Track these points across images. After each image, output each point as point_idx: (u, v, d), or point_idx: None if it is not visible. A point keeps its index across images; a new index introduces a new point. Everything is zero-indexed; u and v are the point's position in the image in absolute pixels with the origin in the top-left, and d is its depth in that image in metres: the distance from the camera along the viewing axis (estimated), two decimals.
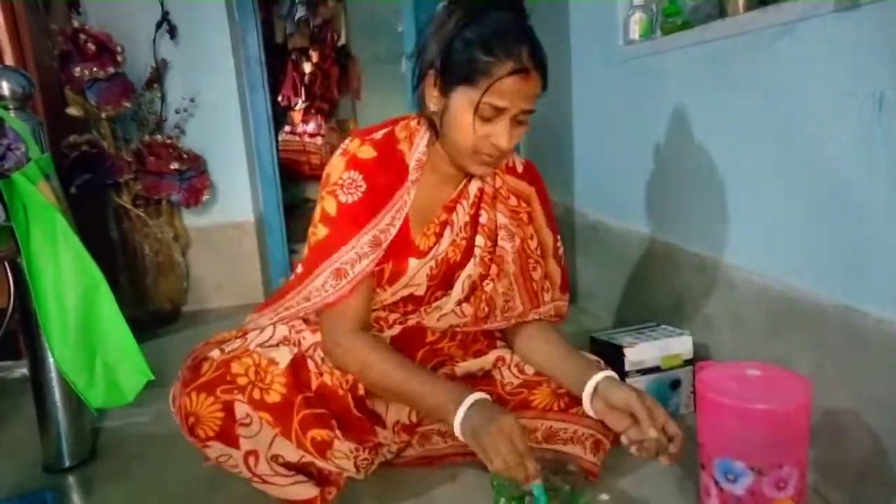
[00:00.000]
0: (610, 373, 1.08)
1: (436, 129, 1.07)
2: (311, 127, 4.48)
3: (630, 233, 1.77)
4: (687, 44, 1.41)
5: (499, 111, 0.98)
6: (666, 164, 1.55)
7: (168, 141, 2.21)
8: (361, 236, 1.05)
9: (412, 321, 1.17)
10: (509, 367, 1.21)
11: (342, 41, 4.52)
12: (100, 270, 1.18)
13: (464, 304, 1.18)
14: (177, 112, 2.32)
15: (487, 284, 1.16)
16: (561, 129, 2.21)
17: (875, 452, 0.94)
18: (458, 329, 1.22)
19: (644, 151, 1.65)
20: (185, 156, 2.24)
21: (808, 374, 1.03)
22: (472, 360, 1.23)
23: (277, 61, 4.24)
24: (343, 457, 1.02)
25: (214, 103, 2.39)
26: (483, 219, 1.15)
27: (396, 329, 1.17)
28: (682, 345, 1.35)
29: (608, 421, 1.04)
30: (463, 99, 0.99)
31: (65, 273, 1.15)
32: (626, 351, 1.31)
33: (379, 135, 1.11)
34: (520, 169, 1.21)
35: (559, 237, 1.26)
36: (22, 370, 1.31)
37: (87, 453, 1.35)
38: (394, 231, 1.07)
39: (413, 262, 1.12)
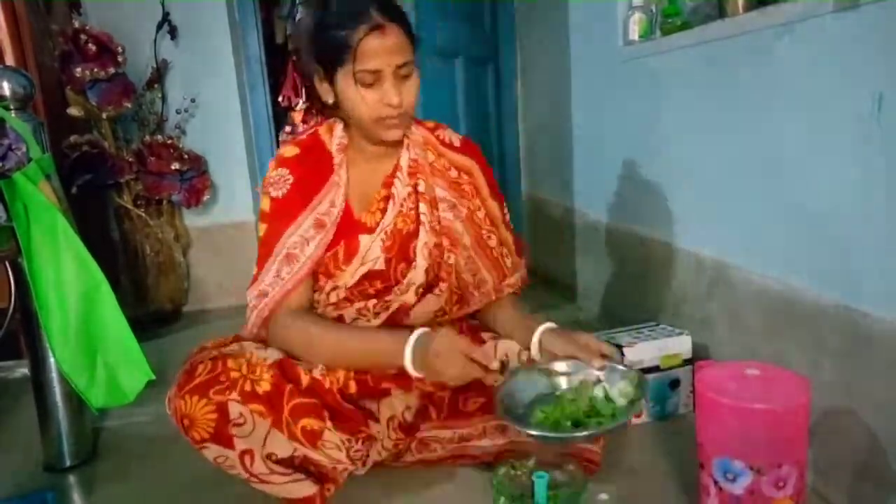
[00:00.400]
0: (550, 325, 1.14)
1: (343, 118, 1.16)
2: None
3: (630, 233, 1.77)
4: (686, 44, 1.41)
5: (375, 73, 1.04)
6: (666, 164, 1.56)
7: (169, 141, 2.22)
8: (302, 221, 1.12)
9: (394, 305, 1.18)
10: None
11: None
12: (100, 270, 1.18)
13: (440, 284, 1.21)
14: (177, 112, 2.33)
15: (449, 256, 1.20)
16: (561, 129, 2.21)
17: (874, 452, 0.94)
18: (442, 320, 1.23)
19: (644, 152, 1.66)
20: (185, 156, 2.24)
21: (807, 374, 1.03)
22: None
23: (278, 62, 4.23)
24: (334, 447, 1.03)
25: (215, 103, 2.39)
26: (421, 187, 1.19)
27: (383, 317, 1.18)
28: (681, 344, 1.35)
29: None
30: (344, 78, 1.06)
31: (66, 273, 1.16)
32: (626, 350, 1.31)
33: (303, 135, 1.21)
34: (457, 144, 1.26)
35: (505, 205, 1.30)
36: (23, 370, 1.32)
37: (88, 453, 1.36)
38: (335, 212, 1.14)
39: (364, 238, 1.16)
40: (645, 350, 1.32)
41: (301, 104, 4.74)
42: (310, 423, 1.01)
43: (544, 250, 2.42)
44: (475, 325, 1.30)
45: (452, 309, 1.24)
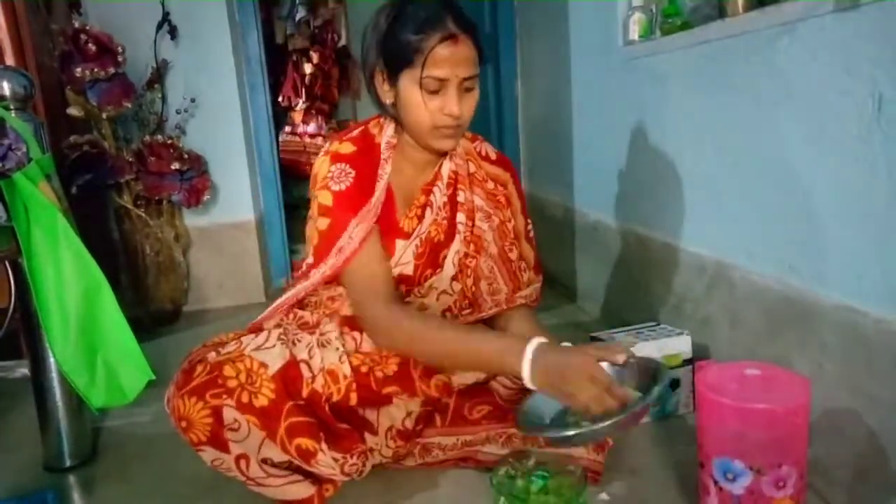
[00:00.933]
0: (541, 340, 1.03)
1: (398, 120, 1.15)
2: (311, 127, 4.48)
3: (630, 233, 1.77)
4: (686, 44, 1.41)
5: (441, 81, 1.05)
6: (666, 164, 1.56)
7: (169, 141, 2.22)
8: (365, 214, 1.11)
9: (413, 305, 1.19)
10: (505, 376, 1.23)
11: (342, 42, 4.52)
12: (101, 270, 1.18)
13: (453, 283, 1.21)
14: (177, 112, 2.33)
15: (471, 261, 1.22)
16: (561, 129, 2.21)
17: (874, 452, 0.94)
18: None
19: (644, 151, 1.66)
20: (185, 156, 2.24)
21: (807, 374, 1.03)
22: (469, 373, 1.21)
23: (278, 62, 4.24)
24: (328, 466, 1.03)
25: (215, 104, 2.39)
26: (461, 198, 1.22)
27: None
28: (681, 344, 1.35)
29: None
30: (408, 81, 1.07)
31: (66, 273, 1.16)
32: None
33: (355, 132, 1.19)
34: (493, 157, 1.28)
35: (530, 222, 1.31)
36: (23, 370, 1.31)
37: (88, 453, 1.36)
38: (375, 203, 1.13)
39: (399, 244, 1.17)
40: (645, 350, 1.32)
41: (301, 104, 4.75)
42: (304, 442, 1.01)
43: (544, 250, 2.42)
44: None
45: (462, 312, 1.24)
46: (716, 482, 0.93)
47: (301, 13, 4.30)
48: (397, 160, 1.18)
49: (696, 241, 1.45)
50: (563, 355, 0.96)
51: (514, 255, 1.26)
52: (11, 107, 1.23)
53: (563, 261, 2.27)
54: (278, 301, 1.20)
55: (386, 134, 1.18)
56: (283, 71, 4.42)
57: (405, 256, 1.17)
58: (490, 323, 1.27)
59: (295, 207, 3.32)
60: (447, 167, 1.21)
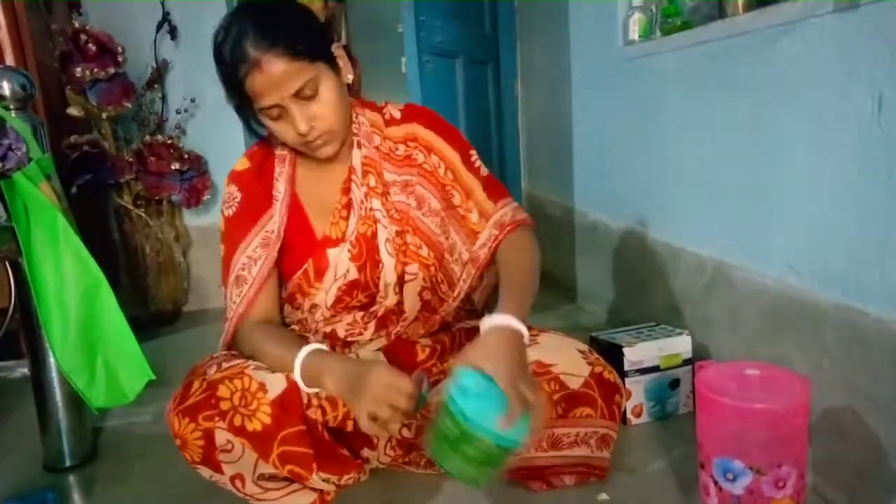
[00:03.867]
0: (496, 322, 0.92)
1: None
2: None
3: (630, 233, 1.77)
4: (686, 44, 1.41)
5: (277, 108, 0.99)
6: (665, 164, 1.56)
7: (169, 141, 2.22)
8: (251, 240, 1.10)
9: (380, 311, 1.14)
10: None
11: (342, 41, 4.52)
12: (100, 270, 1.18)
13: (408, 266, 1.13)
14: (177, 112, 2.32)
15: (411, 238, 1.13)
16: (561, 129, 2.21)
17: (874, 452, 0.94)
18: (441, 314, 1.18)
19: (644, 152, 1.66)
20: (185, 156, 2.24)
21: (807, 374, 1.03)
22: None
23: None
24: (322, 484, 1.02)
25: (215, 104, 2.36)
26: (371, 182, 1.14)
27: (373, 326, 1.15)
28: (681, 344, 1.35)
29: None
30: (258, 113, 1.03)
31: (66, 273, 1.16)
32: (626, 350, 1.31)
33: (255, 147, 1.17)
34: (398, 115, 1.19)
35: (471, 151, 1.17)
36: (23, 370, 1.32)
37: (88, 453, 1.36)
38: (277, 228, 1.10)
39: (332, 252, 1.12)
40: (645, 350, 1.32)
41: None
42: (296, 469, 0.98)
43: (544, 250, 2.42)
44: (473, 329, 1.19)
45: (443, 288, 1.16)
46: (716, 482, 0.93)
47: None
48: (304, 165, 1.15)
49: (696, 241, 1.45)
50: (358, 370, 0.94)
51: (457, 199, 1.14)
52: (11, 107, 1.23)
53: (563, 261, 2.27)
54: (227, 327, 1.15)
55: (277, 148, 1.15)
56: None
57: (341, 264, 1.12)
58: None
59: None
60: (357, 157, 1.14)
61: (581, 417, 1.06)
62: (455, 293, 1.16)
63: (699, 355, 1.36)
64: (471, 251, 1.13)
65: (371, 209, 1.13)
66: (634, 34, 1.67)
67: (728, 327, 1.31)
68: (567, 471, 1.10)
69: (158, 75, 2.28)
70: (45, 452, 1.33)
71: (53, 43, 2.04)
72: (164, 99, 2.30)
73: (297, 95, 0.99)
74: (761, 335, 1.20)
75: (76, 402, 1.29)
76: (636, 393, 1.32)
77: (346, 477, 1.04)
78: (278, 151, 1.15)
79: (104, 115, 2.09)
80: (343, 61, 1.07)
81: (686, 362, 1.35)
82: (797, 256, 1.11)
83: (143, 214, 2.23)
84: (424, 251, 1.14)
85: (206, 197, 2.31)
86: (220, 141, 2.40)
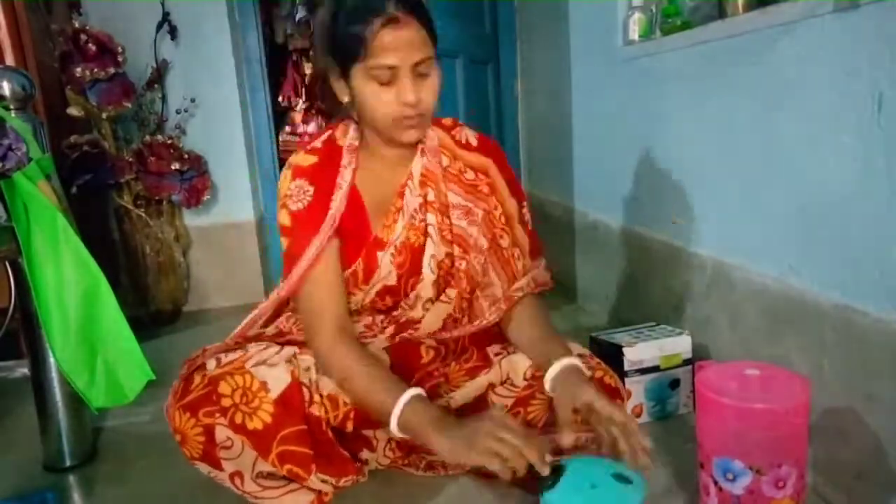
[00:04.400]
0: (568, 363, 1.02)
1: (359, 118, 1.11)
2: (311, 127, 4.48)
3: (630, 233, 1.77)
4: (686, 44, 1.41)
5: (392, 70, 0.99)
6: (665, 164, 1.56)
7: (169, 141, 2.22)
8: (321, 236, 1.07)
9: (402, 318, 1.16)
10: (502, 386, 1.16)
11: None
12: (100, 270, 1.18)
13: (447, 290, 1.17)
14: (177, 112, 2.32)
15: (460, 262, 1.15)
16: (561, 129, 2.21)
17: (874, 452, 0.94)
18: (451, 336, 1.18)
19: (644, 152, 1.66)
20: (185, 156, 2.24)
21: (807, 374, 1.03)
22: (468, 385, 1.16)
23: (278, 62, 4.24)
24: (321, 485, 1.03)
25: (215, 104, 2.39)
26: (430, 196, 1.15)
27: (390, 331, 1.16)
28: (681, 344, 1.35)
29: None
30: (359, 75, 1.02)
31: (66, 273, 1.16)
32: (626, 350, 1.31)
33: (318, 142, 1.14)
34: (474, 143, 1.20)
35: (524, 204, 1.23)
36: (23, 370, 1.32)
37: (88, 453, 1.36)
38: (335, 210, 1.09)
39: (381, 255, 1.13)
40: (645, 350, 1.32)
41: (301, 104, 4.74)
42: (295, 469, 0.99)
43: (544, 250, 2.42)
44: (482, 336, 1.22)
45: (463, 319, 1.19)
46: (716, 482, 0.93)
47: (301, 13, 4.30)
48: (366, 163, 1.13)
49: (696, 240, 1.45)
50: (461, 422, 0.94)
51: (505, 243, 1.17)
52: (11, 107, 1.23)
53: (563, 261, 2.27)
54: (245, 320, 1.17)
55: (348, 137, 1.13)
56: (284, 71, 4.42)
57: (384, 267, 1.13)
58: (500, 325, 1.21)
59: None
60: (418, 165, 1.15)
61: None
62: (474, 323, 1.19)
63: (699, 355, 1.36)
64: (505, 292, 1.17)
65: (424, 221, 1.15)
66: (634, 34, 1.67)
67: (728, 327, 1.31)
68: None
69: (158, 75, 2.27)
70: (45, 452, 1.33)
71: (53, 43, 2.04)
72: (164, 99, 2.30)
73: (416, 67, 1.00)
74: (761, 335, 1.20)
75: (76, 402, 1.28)
76: (636, 393, 1.32)
77: (344, 479, 1.04)
78: (347, 142, 1.13)
79: (104, 115, 2.09)
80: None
81: (686, 362, 1.35)
82: (797, 256, 1.11)
83: (143, 214, 2.22)
84: (464, 283, 1.16)
85: (206, 197, 2.30)
86: (220, 141, 2.41)
